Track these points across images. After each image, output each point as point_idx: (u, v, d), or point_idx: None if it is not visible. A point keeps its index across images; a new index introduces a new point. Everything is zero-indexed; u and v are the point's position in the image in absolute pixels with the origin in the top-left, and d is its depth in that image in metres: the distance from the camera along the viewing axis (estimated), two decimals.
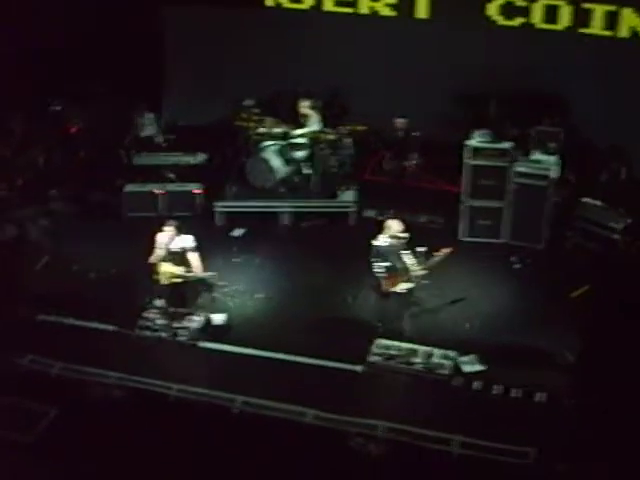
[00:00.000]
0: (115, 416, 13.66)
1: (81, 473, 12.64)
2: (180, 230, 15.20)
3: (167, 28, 22.62)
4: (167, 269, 15.19)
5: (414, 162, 19.93)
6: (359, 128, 19.58)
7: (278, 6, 21.32)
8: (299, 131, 19.20)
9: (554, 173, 17.46)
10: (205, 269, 15.58)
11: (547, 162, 17.61)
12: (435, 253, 14.36)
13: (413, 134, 19.60)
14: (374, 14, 20.82)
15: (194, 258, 15.23)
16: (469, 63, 20.31)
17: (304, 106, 19.23)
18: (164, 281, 15.31)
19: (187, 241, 15.25)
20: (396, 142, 19.79)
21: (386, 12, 20.66)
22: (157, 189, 19.18)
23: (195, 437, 13.01)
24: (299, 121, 19.39)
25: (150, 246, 15.31)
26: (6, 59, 19.99)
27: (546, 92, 20.10)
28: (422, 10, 20.44)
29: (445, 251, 14.35)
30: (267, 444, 12.86)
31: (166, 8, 22.23)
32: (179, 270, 15.17)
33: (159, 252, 15.14)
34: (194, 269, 15.22)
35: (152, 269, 15.33)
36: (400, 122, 19.57)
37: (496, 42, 20.07)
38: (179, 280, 15.26)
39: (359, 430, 13.00)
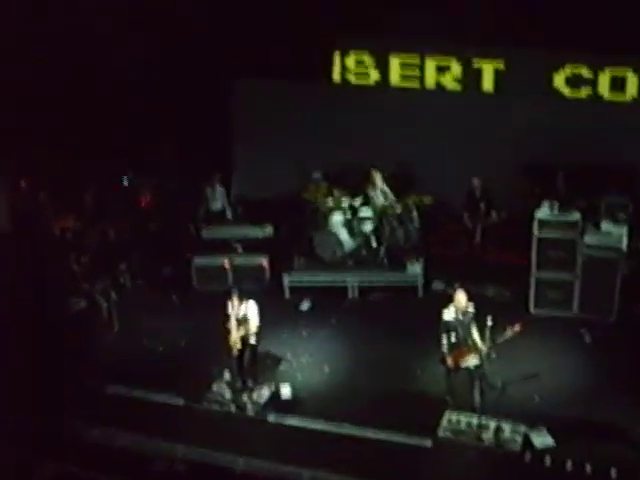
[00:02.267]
0: None
1: None
2: (241, 299, 15.29)
3: (236, 103, 22.93)
4: (235, 337, 15.26)
5: (494, 217, 19.80)
6: (425, 200, 19.63)
7: (345, 83, 21.44)
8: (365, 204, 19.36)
9: (624, 244, 17.23)
10: (273, 341, 15.72)
11: (617, 233, 17.37)
12: (509, 328, 14.15)
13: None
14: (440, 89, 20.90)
15: (252, 311, 15.33)
16: (536, 134, 20.30)
17: (376, 177, 19.40)
18: (234, 350, 15.36)
19: (250, 307, 15.32)
20: (474, 200, 19.75)
21: (452, 86, 20.68)
22: (226, 262, 19.29)
23: None
24: (366, 194, 19.50)
25: (219, 318, 15.42)
26: (79, 133, 20.44)
27: (613, 162, 19.96)
28: (488, 84, 20.42)
29: (516, 328, 14.13)
30: None
31: (237, 82, 22.57)
32: (243, 332, 15.24)
33: (230, 322, 15.26)
34: (251, 320, 15.30)
35: (222, 341, 15.41)
36: (477, 180, 19.61)
37: (563, 113, 19.99)
38: (246, 344, 15.32)
39: None
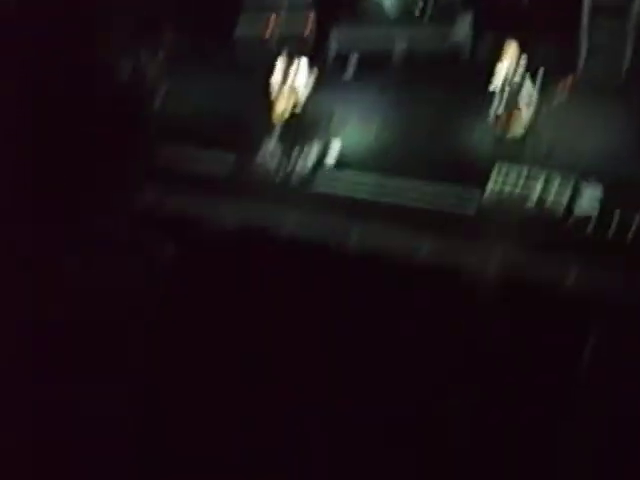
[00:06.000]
0: (232, 251, 14.02)
1: (199, 304, 13.17)
2: (291, 64, 15.04)
3: None
4: (283, 105, 15.15)
5: None
6: None
7: None
8: None
9: None
10: (321, 100, 15.70)
11: None
12: (559, 86, 13.86)
13: None
14: None
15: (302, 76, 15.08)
16: None
17: None
18: (280, 119, 15.30)
19: (300, 72, 15.09)
20: None
21: None
22: (270, 20, 18.75)
23: (310, 275, 13.26)
24: None
25: (268, 81, 15.29)
26: None
27: None
28: None
29: (565, 84, 13.82)
30: (383, 279, 13.02)
31: None
32: (293, 101, 15.11)
33: (275, 88, 15.12)
34: (302, 86, 15.08)
35: (268, 107, 15.35)
36: None
37: None
38: (294, 114, 15.23)
39: (474, 263, 12.98)
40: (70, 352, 13.00)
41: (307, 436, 11.44)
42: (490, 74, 14.30)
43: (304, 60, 15.27)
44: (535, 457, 10.83)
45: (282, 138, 15.73)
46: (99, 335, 13.25)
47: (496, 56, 14.56)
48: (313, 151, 15.61)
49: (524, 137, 14.39)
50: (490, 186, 14.31)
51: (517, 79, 14.21)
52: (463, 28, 18.11)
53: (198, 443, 11.54)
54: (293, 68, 15.15)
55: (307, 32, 18.71)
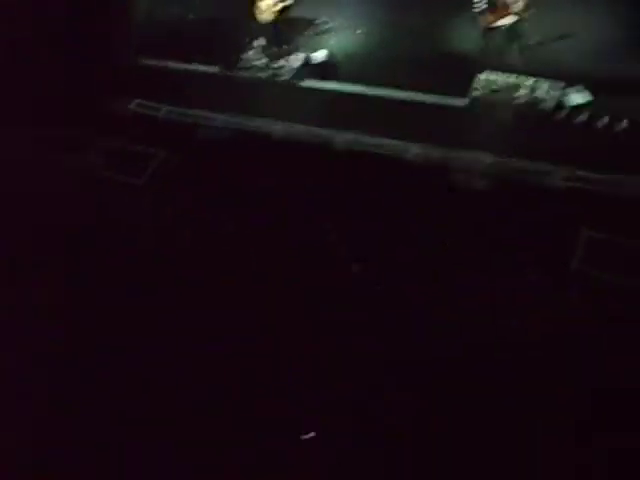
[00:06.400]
0: (221, 156, 13.98)
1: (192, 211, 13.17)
2: None
3: None
4: (267, 3, 15.02)
5: None
6: None
7: None
8: None
9: None
10: (306, 5, 15.66)
11: None
12: None
13: None
14: None
15: None
16: None
17: None
18: (265, 18, 15.18)
19: None
20: None
21: None
22: None
23: (299, 175, 13.27)
24: None
25: None
26: None
27: None
28: None
29: None
30: (370, 180, 13.03)
31: None
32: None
33: None
34: None
35: (251, 7, 15.21)
36: None
37: None
38: (278, 12, 15.11)
39: (461, 165, 13.03)
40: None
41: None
42: None
43: None
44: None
45: (269, 36, 15.58)
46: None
47: None
48: (301, 48, 15.53)
49: (512, 34, 14.29)
50: (476, 86, 14.24)
51: None
52: None
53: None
54: None
55: None
